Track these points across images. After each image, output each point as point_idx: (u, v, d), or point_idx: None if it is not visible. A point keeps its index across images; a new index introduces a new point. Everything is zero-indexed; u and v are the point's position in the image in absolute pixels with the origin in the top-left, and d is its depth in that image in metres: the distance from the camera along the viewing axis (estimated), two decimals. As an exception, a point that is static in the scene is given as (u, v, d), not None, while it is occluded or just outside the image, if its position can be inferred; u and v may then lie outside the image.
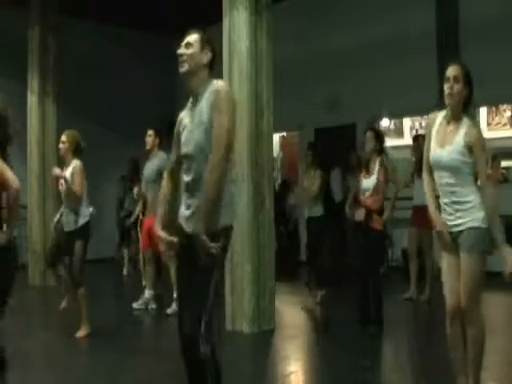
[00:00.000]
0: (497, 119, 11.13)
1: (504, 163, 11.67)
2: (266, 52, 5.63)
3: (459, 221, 3.29)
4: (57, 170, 5.46)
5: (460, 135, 3.25)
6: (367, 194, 5.52)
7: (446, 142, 3.29)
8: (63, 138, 5.60)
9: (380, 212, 5.48)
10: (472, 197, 3.25)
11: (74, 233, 5.40)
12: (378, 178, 5.48)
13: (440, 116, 3.40)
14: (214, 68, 2.98)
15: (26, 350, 5.03)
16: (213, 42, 2.99)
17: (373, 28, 9.69)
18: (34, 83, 8.93)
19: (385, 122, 10.52)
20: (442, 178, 3.32)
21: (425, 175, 3.49)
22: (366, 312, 5.46)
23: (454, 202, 3.30)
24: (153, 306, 6.79)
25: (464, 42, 8.97)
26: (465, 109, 3.31)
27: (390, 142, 10.83)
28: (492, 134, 11.06)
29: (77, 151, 5.55)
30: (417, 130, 11.44)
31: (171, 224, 3.00)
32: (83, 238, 5.39)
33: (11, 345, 4.96)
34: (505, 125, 11.00)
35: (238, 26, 5.52)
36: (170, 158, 3.11)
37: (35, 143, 8.86)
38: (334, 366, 4.49)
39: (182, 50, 2.92)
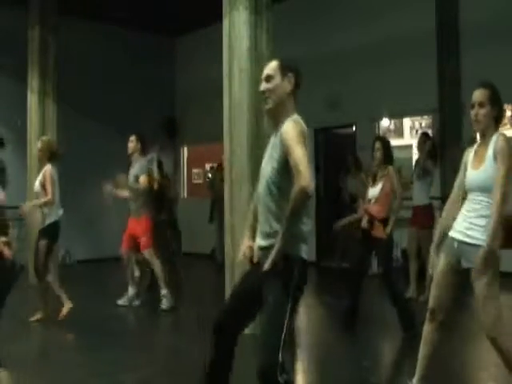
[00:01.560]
0: (497, 119, 11.12)
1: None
2: (266, 52, 5.63)
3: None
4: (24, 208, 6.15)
5: (490, 150, 3.23)
6: (372, 202, 5.55)
7: (480, 162, 3.29)
8: (38, 145, 6.23)
9: (385, 221, 5.47)
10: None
11: (41, 231, 5.93)
12: (382, 188, 5.50)
13: (473, 148, 3.42)
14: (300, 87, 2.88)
15: (24, 349, 5.03)
16: (293, 64, 2.87)
17: (373, 28, 9.69)
18: (34, 83, 8.93)
19: (385, 122, 10.53)
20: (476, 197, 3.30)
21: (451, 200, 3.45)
22: (352, 314, 5.48)
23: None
24: (136, 302, 6.89)
25: (464, 42, 8.97)
26: (497, 128, 3.31)
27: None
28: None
29: (51, 158, 6.09)
30: (417, 131, 11.44)
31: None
32: (48, 237, 5.87)
33: (10, 344, 4.98)
34: (505, 125, 11.01)
35: (237, 26, 5.52)
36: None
37: (35, 143, 8.86)
38: (334, 366, 4.49)
39: (263, 86, 2.82)
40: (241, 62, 5.50)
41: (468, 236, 3.28)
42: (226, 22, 5.62)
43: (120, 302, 6.88)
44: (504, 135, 3.26)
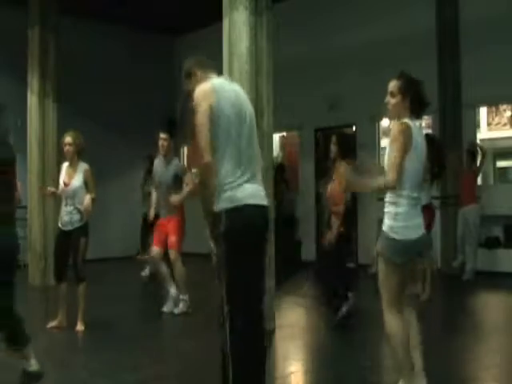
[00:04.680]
0: (497, 119, 11.15)
1: (504, 163, 11.73)
2: (266, 52, 5.63)
3: None
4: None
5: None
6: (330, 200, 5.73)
7: None
8: (69, 139, 5.75)
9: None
10: None
11: (79, 229, 5.66)
12: (333, 185, 5.63)
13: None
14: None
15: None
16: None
17: (373, 28, 9.69)
18: (34, 83, 8.93)
19: (385, 122, 10.52)
20: None
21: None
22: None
23: None
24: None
25: (464, 42, 8.97)
26: (415, 117, 3.40)
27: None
28: (492, 134, 11.09)
29: (81, 152, 5.79)
30: (417, 130, 11.46)
31: None
32: (86, 234, 5.69)
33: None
34: (505, 125, 11.02)
35: (238, 26, 5.51)
36: None
37: (35, 143, 8.86)
38: (334, 366, 4.49)
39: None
40: (241, 62, 5.50)
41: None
42: (225, 22, 5.62)
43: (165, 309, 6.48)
44: (400, 123, 3.31)
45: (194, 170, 3.06)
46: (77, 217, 5.66)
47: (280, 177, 10.53)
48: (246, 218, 2.90)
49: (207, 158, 2.86)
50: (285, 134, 12.53)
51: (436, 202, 9.16)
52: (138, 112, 11.99)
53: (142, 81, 12.37)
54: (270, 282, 5.63)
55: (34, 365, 3.76)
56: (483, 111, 10.76)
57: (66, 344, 5.37)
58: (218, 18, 5.69)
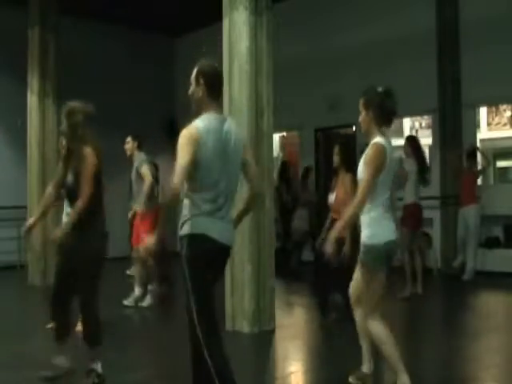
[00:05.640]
0: (497, 119, 11.15)
1: (504, 163, 11.72)
2: (266, 52, 5.63)
3: None
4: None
5: (364, 155, 3.61)
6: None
7: None
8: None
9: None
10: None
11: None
12: (336, 196, 5.75)
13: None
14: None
15: (25, 350, 5.02)
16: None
17: (373, 28, 9.69)
18: (34, 83, 8.92)
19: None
20: None
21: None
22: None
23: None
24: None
25: (464, 42, 8.97)
26: (384, 127, 3.60)
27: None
28: (492, 134, 11.09)
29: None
30: (417, 131, 11.44)
31: None
32: None
33: (11, 344, 4.98)
34: (505, 125, 11.01)
35: (238, 26, 5.52)
36: None
37: (35, 143, 8.85)
38: (334, 366, 4.49)
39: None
40: (241, 62, 5.50)
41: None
42: (225, 22, 5.62)
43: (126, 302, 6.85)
44: (376, 145, 3.51)
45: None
46: None
47: (281, 176, 10.54)
48: (206, 250, 3.02)
49: (176, 186, 2.87)
50: (285, 134, 12.54)
51: (436, 202, 9.16)
52: (138, 112, 11.98)
53: (142, 81, 12.36)
54: (270, 282, 5.64)
55: (99, 367, 3.96)
56: (483, 111, 10.75)
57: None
58: (218, 17, 5.69)
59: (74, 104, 4.07)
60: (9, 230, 9.59)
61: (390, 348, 3.48)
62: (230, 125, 3.14)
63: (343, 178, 5.66)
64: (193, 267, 3.00)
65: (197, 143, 2.93)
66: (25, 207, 8.78)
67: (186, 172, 2.90)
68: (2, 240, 9.79)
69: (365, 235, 3.53)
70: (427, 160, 7.81)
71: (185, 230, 3.03)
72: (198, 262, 3.00)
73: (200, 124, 3.02)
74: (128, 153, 7.05)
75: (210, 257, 3.03)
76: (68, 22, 9.79)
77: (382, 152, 3.48)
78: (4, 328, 5.84)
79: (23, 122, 9.03)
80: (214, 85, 3.11)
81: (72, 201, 4.00)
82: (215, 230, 3.02)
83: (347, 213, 3.50)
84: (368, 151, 3.54)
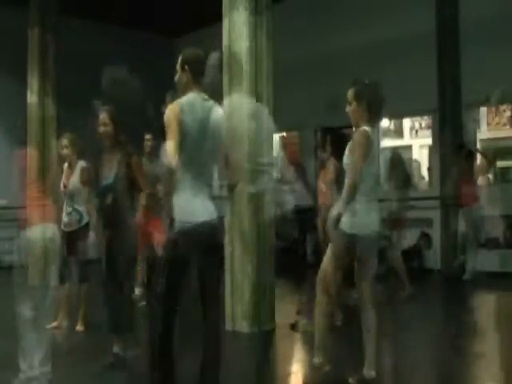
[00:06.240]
0: (497, 119, 11.14)
1: (504, 163, 11.72)
2: (266, 52, 5.63)
3: None
4: None
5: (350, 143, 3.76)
6: None
7: None
8: (65, 141, 5.91)
9: None
10: None
11: (78, 231, 5.66)
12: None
13: None
14: None
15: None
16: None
17: (373, 28, 9.69)
18: (33, 83, 8.92)
19: (385, 122, 10.53)
20: None
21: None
22: None
23: None
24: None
25: (464, 42, 8.97)
26: (374, 120, 3.76)
27: (389, 143, 10.85)
28: (492, 133, 11.09)
29: (81, 154, 5.92)
30: (417, 131, 11.44)
31: None
32: (87, 235, 5.61)
33: (11, 344, 4.97)
34: (505, 125, 11.01)
35: (238, 26, 5.52)
36: None
37: (35, 143, 8.85)
38: (333, 366, 4.48)
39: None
40: (241, 61, 5.50)
41: None
42: (225, 22, 5.62)
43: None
44: (361, 131, 3.63)
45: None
46: (76, 218, 5.66)
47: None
48: (188, 233, 3.19)
49: (172, 162, 3.09)
50: (285, 134, 12.52)
51: (436, 202, 9.16)
52: (137, 112, 11.96)
53: (142, 81, 12.34)
54: (270, 281, 5.63)
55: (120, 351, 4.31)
56: (483, 111, 10.75)
57: (66, 344, 5.37)
58: (218, 17, 5.69)
59: None
60: (9, 230, 9.59)
61: (323, 332, 3.76)
62: (212, 105, 3.39)
63: (329, 165, 5.74)
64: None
65: (179, 116, 3.23)
66: (24, 207, 8.76)
67: (178, 146, 3.14)
68: (1, 240, 9.79)
69: (344, 223, 3.54)
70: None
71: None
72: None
73: (183, 99, 3.35)
74: (147, 149, 7.13)
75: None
76: (68, 21, 9.79)
77: (366, 138, 3.57)
78: (4, 328, 5.84)
79: (23, 121, 9.03)
80: (197, 71, 3.40)
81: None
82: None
83: (344, 196, 3.56)
84: (353, 138, 3.65)
